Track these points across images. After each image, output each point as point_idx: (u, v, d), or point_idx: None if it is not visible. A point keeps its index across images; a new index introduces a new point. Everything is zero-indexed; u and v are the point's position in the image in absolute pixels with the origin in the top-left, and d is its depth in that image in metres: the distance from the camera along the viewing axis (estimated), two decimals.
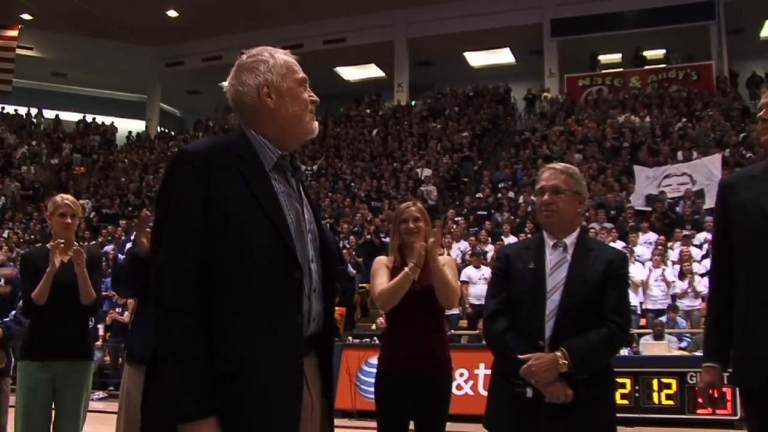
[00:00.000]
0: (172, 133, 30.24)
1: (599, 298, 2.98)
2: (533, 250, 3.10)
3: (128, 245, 3.81)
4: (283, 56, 2.28)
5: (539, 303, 2.96)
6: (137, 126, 31.54)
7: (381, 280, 3.89)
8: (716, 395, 2.89)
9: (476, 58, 28.55)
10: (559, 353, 2.85)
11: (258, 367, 1.98)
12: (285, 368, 2.03)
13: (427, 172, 19.71)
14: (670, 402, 9.70)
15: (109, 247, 16.68)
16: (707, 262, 12.28)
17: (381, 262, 4.02)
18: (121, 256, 3.80)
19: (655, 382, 9.79)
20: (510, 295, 3.01)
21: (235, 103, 2.25)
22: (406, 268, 3.75)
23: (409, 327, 3.78)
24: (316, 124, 2.29)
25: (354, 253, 15.35)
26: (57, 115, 30.59)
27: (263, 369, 1.99)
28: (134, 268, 3.62)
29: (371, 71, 29.97)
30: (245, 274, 2.02)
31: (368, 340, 11.18)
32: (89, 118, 30.92)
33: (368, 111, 27.25)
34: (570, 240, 3.09)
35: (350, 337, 12.55)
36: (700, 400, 9.43)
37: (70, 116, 31.12)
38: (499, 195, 17.90)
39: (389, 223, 12.19)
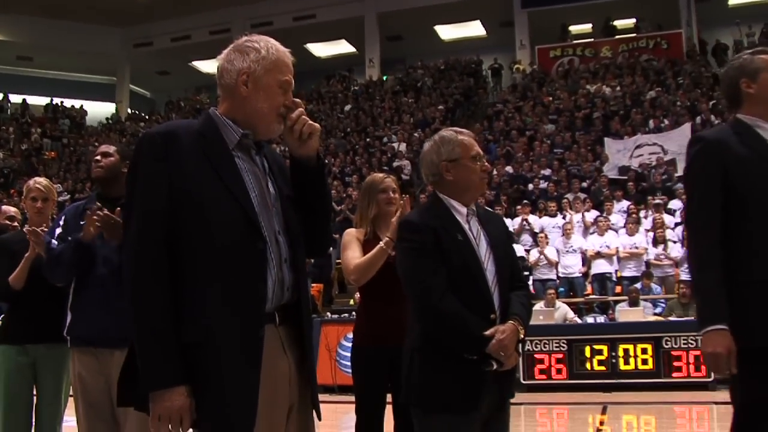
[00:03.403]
0: (144, 115, 29.89)
1: (511, 262, 3.02)
2: (446, 219, 2.89)
3: (57, 230, 3.79)
4: (278, 53, 2.29)
5: (481, 276, 2.83)
6: (107, 109, 31.13)
7: (354, 253, 3.84)
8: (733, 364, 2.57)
9: (447, 32, 28.45)
10: (514, 322, 2.80)
11: (220, 336, 2.06)
12: (246, 337, 2.09)
13: (402, 146, 19.71)
14: (647, 366, 9.86)
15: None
16: (680, 230, 12.44)
17: (351, 234, 3.95)
18: (54, 242, 3.74)
19: (631, 347, 9.94)
20: (449, 270, 2.79)
21: (218, 76, 2.31)
22: (382, 243, 3.70)
23: (383, 299, 3.74)
24: (280, 127, 2.29)
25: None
26: (24, 100, 30.07)
27: (225, 337, 2.06)
28: (78, 254, 3.60)
29: (342, 47, 29.77)
30: (209, 247, 2.10)
31: (346, 315, 11.20)
32: (57, 101, 30.44)
33: (340, 87, 27.10)
34: (473, 207, 3.00)
35: (329, 313, 12.58)
36: (674, 364, 9.64)
37: (38, 100, 30.58)
38: None
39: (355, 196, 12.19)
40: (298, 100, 2.30)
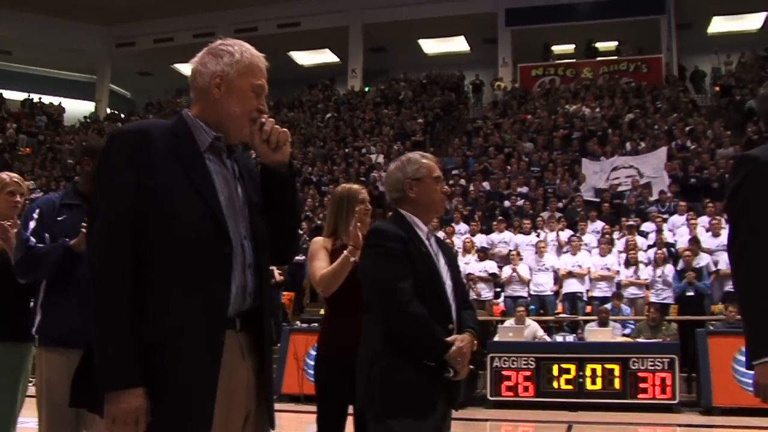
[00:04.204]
0: (122, 115, 29.69)
1: (462, 284, 3.27)
2: (411, 232, 3.06)
3: (32, 224, 3.69)
4: (251, 57, 2.29)
5: (442, 288, 3.02)
6: (86, 107, 30.89)
7: (320, 263, 3.84)
8: None
9: (431, 46, 28.60)
10: (470, 335, 2.99)
11: (182, 338, 2.04)
12: (207, 341, 2.07)
13: (380, 158, 19.72)
14: (613, 387, 9.89)
15: None
16: (652, 252, 12.54)
17: (319, 243, 3.95)
18: (32, 239, 3.65)
19: (598, 367, 9.97)
20: (416, 279, 2.96)
21: (191, 79, 2.31)
22: (345, 251, 3.71)
23: (348, 309, 3.68)
24: (249, 132, 2.29)
25: (306, 237, 15.28)
26: (1, 94, 29.73)
27: (187, 340, 2.04)
28: (66, 261, 3.55)
29: (325, 56, 29.82)
30: (176, 248, 2.08)
31: (316, 324, 11.13)
32: (35, 97, 30.16)
33: (321, 96, 27.10)
34: (431, 228, 3.22)
35: (298, 322, 12.53)
36: (640, 385, 9.69)
37: (15, 95, 30.29)
38: (451, 182, 17.97)
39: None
40: (264, 107, 2.31)
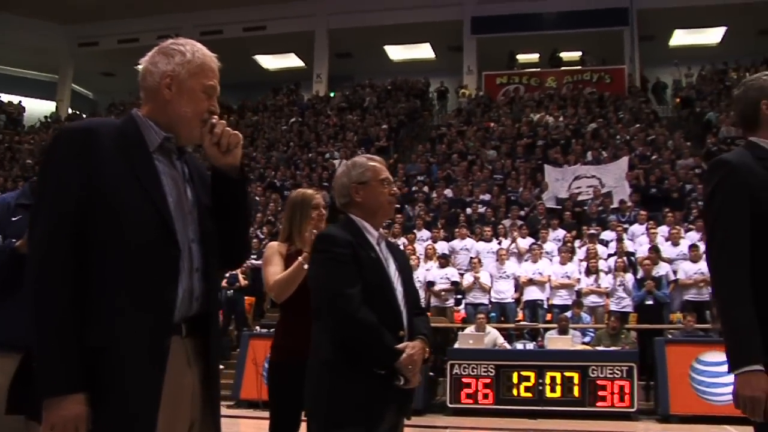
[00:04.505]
0: (84, 116, 29.27)
1: (414, 290, 3.16)
2: (360, 237, 2.99)
3: None
4: (203, 57, 2.25)
5: (392, 294, 2.94)
6: (47, 107, 30.41)
7: (274, 268, 3.81)
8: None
9: (396, 52, 28.66)
10: (421, 342, 2.92)
11: (124, 342, 1.98)
12: (151, 346, 2.02)
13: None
14: (572, 395, 9.93)
15: None
16: (612, 261, 12.64)
17: (273, 248, 3.93)
18: None
19: (558, 375, 10.00)
20: (363, 285, 2.88)
21: (141, 78, 2.26)
22: (300, 258, 3.68)
23: (300, 314, 3.61)
24: (200, 134, 2.24)
25: (267, 242, 15.17)
26: None
27: (129, 344, 1.99)
28: (11, 261, 3.44)
29: (291, 61, 29.72)
30: (120, 249, 2.03)
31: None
32: None
33: (286, 100, 27.00)
34: (382, 233, 3.15)
35: (258, 327, 12.43)
36: (599, 393, 9.74)
37: None
38: (414, 188, 17.98)
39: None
40: (216, 108, 2.26)
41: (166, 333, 2.05)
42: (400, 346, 2.84)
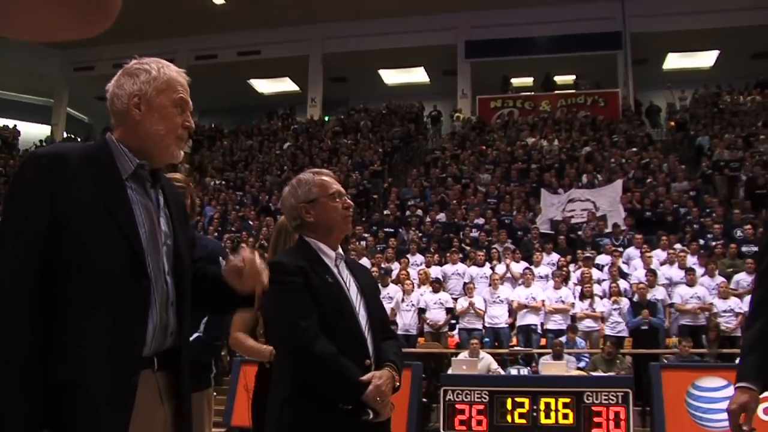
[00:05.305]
0: (79, 139, 29.24)
1: (381, 312, 2.94)
2: (315, 261, 2.77)
3: None
4: (169, 72, 2.20)
5: (354, 320, 2.71)
6: (42, 131, 30.37)
7: (243, 316, 3.72)
8: (743, 421, 2.52)
9: (391, 76, 28.71)
10: (389, 371, 2.71)
11: (90, 379, 1.89)
12: (117, 382, 1.93)
13: None
14: (567, 421, 9.80)
15: None
16: (606, 285, 12.56)
17: None
18: None
19: (552, 401, 9.88)
20: (320, 313, 2.65)
21: (109, 104, 2.18)
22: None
23: None
24: (180, 152, 2.20)
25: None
26: None
27: (95, 381, 1.90)
28: None
29: (285, 85, 29.76)
30: (88, 281, 1.94)
31: None
32: None
33: (281, 125, 27.00)
34: (340, 252, 2.92)
35: None
36: (594, 419, 9.62)
37: None
38: (408, 212, 17.92)
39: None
40: (191, 122, 2.21)
41: (134, 368, 1.97)
42: (365, 377, 2.63)
